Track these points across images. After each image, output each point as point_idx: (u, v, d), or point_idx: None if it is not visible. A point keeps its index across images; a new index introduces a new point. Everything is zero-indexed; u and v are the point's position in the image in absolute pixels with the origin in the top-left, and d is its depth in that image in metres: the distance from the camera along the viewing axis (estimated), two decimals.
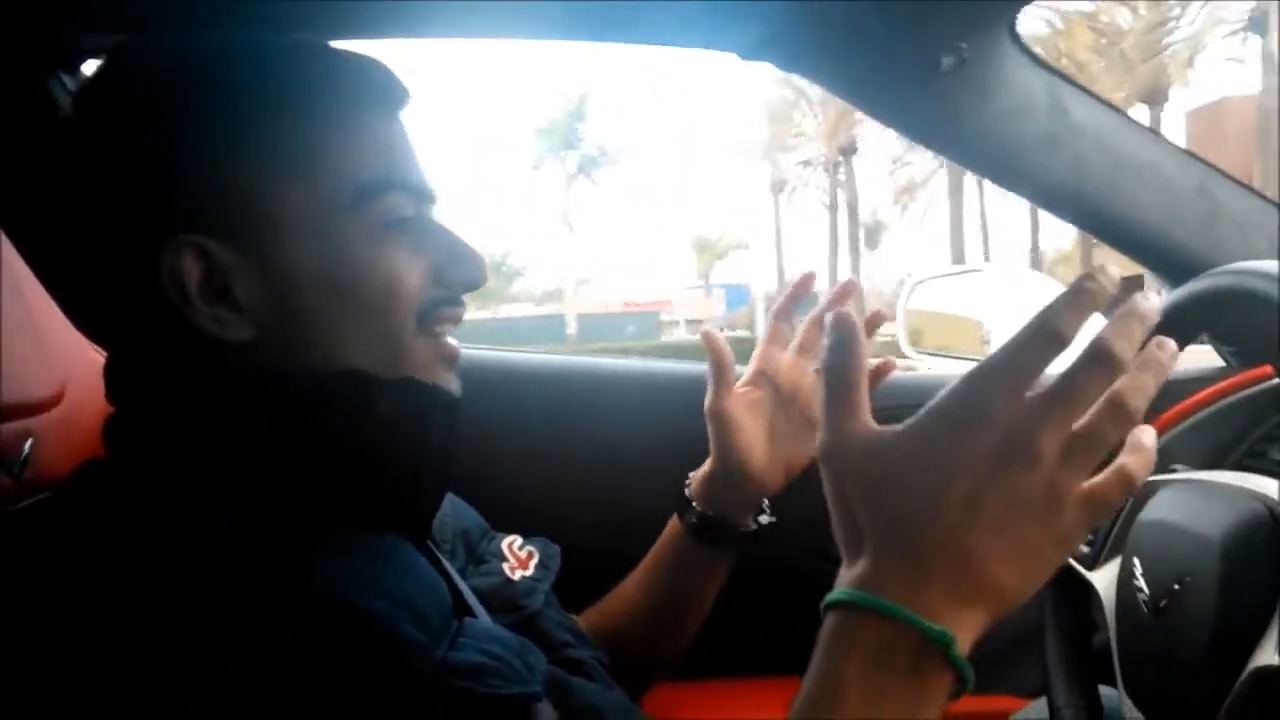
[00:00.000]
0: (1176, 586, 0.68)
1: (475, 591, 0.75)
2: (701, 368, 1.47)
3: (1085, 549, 0.84)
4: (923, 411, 0.52)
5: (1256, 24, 21.97)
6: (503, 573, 0.82)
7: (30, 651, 0.53)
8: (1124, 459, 0.52)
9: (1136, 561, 0.74)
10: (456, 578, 0.73)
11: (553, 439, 1.27)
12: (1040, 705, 0.91)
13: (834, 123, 28.59)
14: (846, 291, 0.93)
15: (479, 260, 0.72)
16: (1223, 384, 1.20)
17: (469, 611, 0.69)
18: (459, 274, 0.71)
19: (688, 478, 0.99)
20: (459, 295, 0.72)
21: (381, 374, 0.65)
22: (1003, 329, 1.49)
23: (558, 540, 0.90)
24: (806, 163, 31.43)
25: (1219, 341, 1.21)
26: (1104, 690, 0.84)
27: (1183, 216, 1.15)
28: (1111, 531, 0.81)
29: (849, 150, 28.91)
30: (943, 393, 0.51)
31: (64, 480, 0.65)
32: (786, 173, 32.95)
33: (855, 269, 29.72)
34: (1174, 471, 0.84)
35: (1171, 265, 1.16)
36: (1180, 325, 0.87)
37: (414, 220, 0.69)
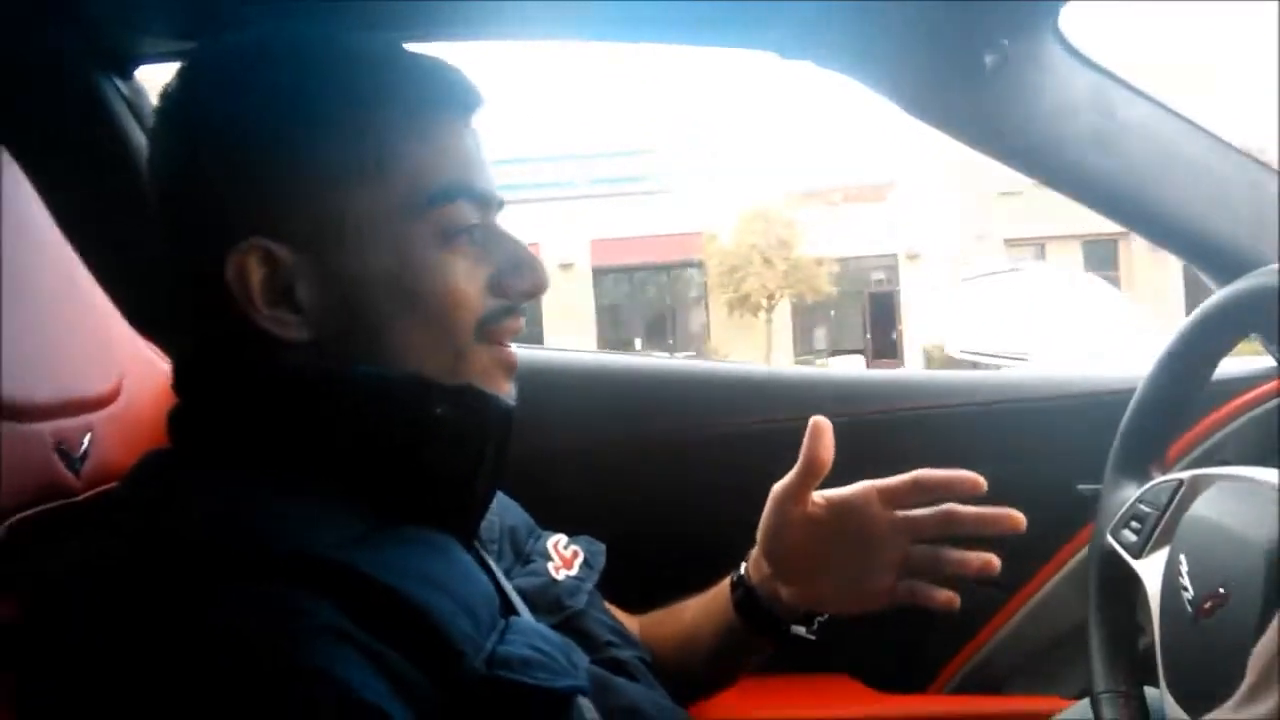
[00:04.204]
0: (1221, 590, 0.67)
1: (520, 592, 0.76)
2: (752, 368, 1.48)
3: (1133, 536, 0.83)
4: None
5: None
6: (547, 573, 0.82)
7: (95, 640, 0.55)
8: None
9: (1183, 558, 0.74)
10: (502, 578, 0.74)
11: (601, 436, 1.28)
12: (1084, 706, 0.90)
13: None
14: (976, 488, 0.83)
15: (539, 269, 0.71)
16: (1272, 384, 1.18)
17: (514, 611, 0.70)
18: (519, 283, 0.70)
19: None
20: (519, 304, 0.71)
21: (441, 380, 0.65)
22: (1047, 328, 1.47)
23: (603, 537, 0.90)
24: None
25: (1268, 341, 1.19)
26: (1147, 690, 0.84)
27: (1234, 213, 1.13)
28: (1160, 521, 0.80)
29: None
30: None
31: (127, 473, 0.67)
32: None
33: None
34: (1224, 465, 0.82)
35: (1221, 263, 1.14)
36: (1228, 324, 0.86)
37: (478, 228, 0.68)
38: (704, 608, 0.96)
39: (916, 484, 0.85)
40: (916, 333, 20.59)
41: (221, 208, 0.64)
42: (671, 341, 22.07)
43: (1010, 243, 20.66)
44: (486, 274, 0.69)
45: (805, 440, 0.84)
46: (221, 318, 0.64)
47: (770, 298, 20.86)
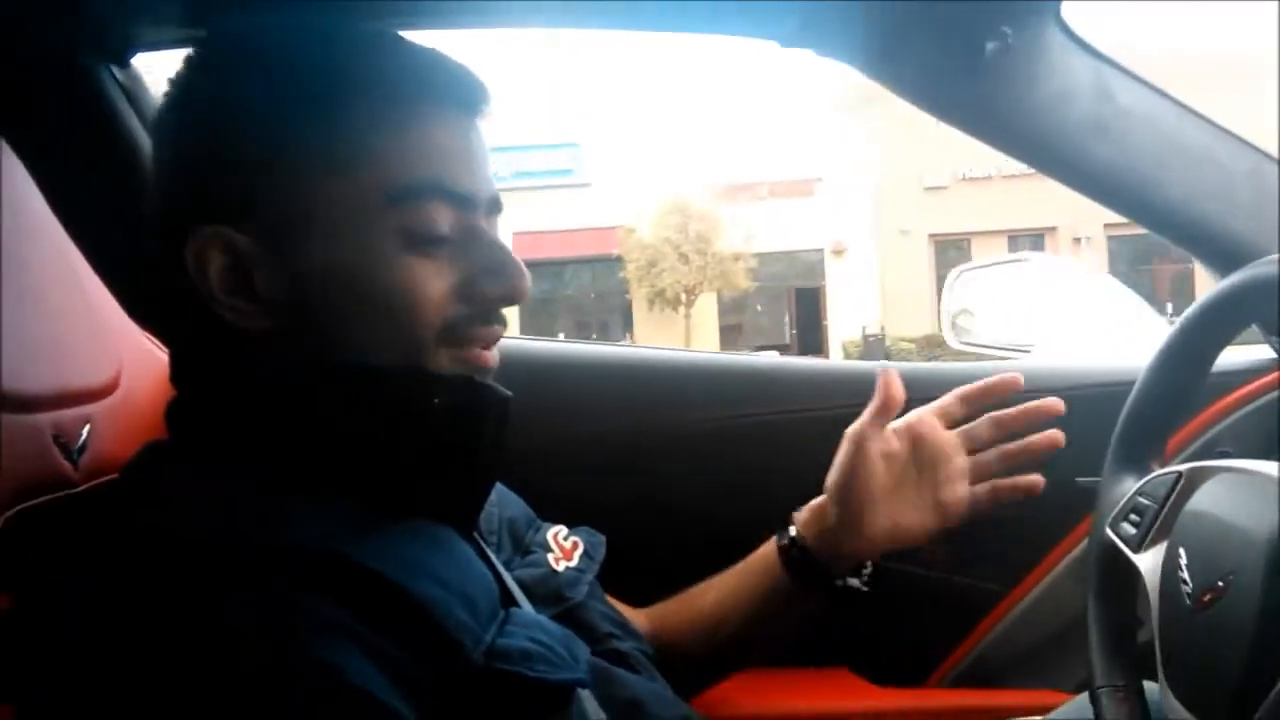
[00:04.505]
0: (1220, 583, 0.67)
1: (520, 583, 0.76)
2: (758, 360, 1.48)
3: (1132, 529, 0.83)
4: None
5: None
6: (547, 564, 0.82)
7: (95, 632, 0.55)
8: None
9: (1182, 552, 0.74)
10: (501, 569, 0.74)
11: (600, 427, 1.28)
12: (1083, 701, 0.90)
13: None
14: (1014, 386, 0.94)
15: (517, 275, 0.69)
16: (1274, 375, 1.18)
17: (514, 602, 0.70)
18: (493, 289, 0.68)
19: (797, 507, 0.96)
20: (492, 310, 0.69)
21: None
22: (1048, 319, 1.47)
23: (605, 530, 0.90)
24: None
25: (1269, 332, 1.19)
26: (1146, 685, 0.84)
27: (1235, 203, 1.13)
28: (1159, 515, 0.80)
29: None
30: None
31: (125, 465, 0.67)
32: None
33: None
34: (1223, 457, 0.82)
35: (1222, 253, 1.14)
36: (1229, 315, 0.85)
37: (454, 229, 0.66)
38: (734, 584, 0.96)
39: (961, 399, 0.94)
40: (841, 327, 20.66)
41: (189, 195, 0.65)
42: (595, 336, 21.96)
43: (935, 238, 20.80)
44: (458, 277, 0.67)
45: (879, 384, 0.91)
46: (184, 305, 0.65)
47: (689, 292, 20.69)
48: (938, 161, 19.33)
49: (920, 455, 0.92)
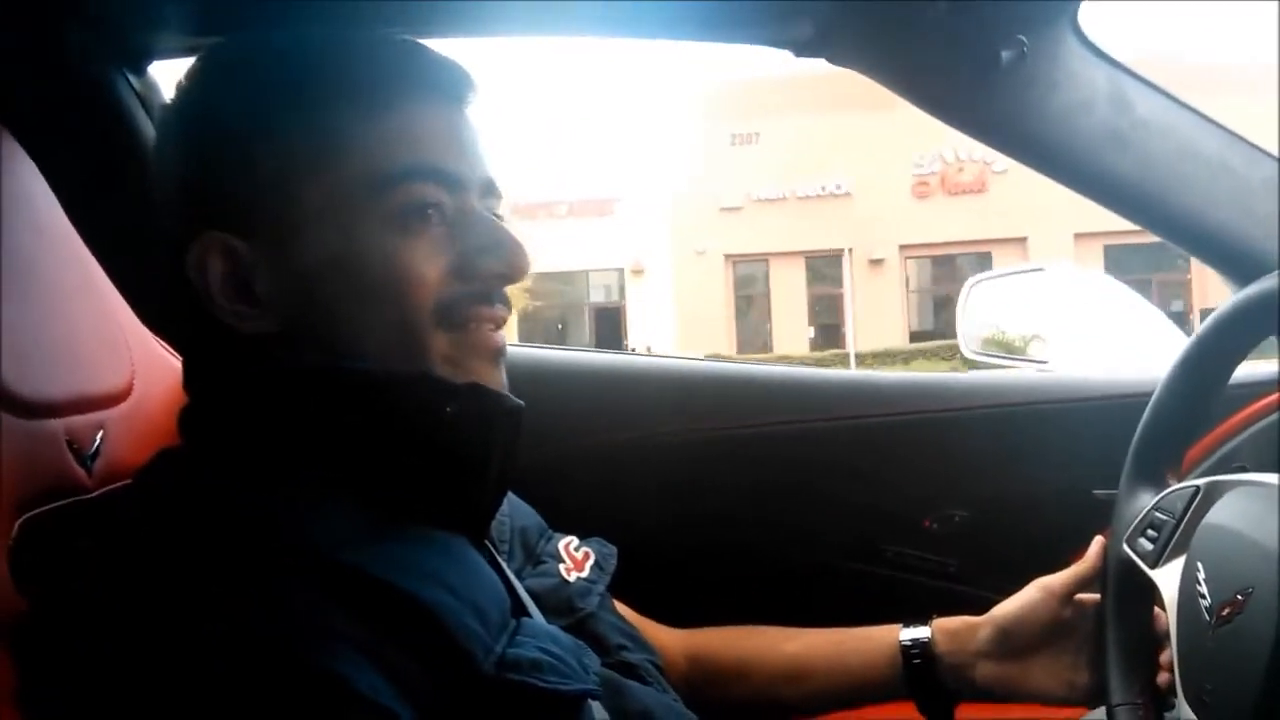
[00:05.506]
0: (1239, 597, 0.67)
1: (531, 593, 0.75)
2: (767, 369, 1.47)
3: (1149, 545, 0.82)
4: None
5: None
6: (559, 574, 0.82)
7: (121, 633, 0.55)
8: None
9: (1200, 566, 0.73)
10: (513, 579, 0.74)
11: (612, 438, 1.28)
12: (1100, 715, 0.89)
13: None
14: None
15: (515, 252, 0.68)
16: None
17: (525, 612, 0.70)
18: (490, 265, 0.68)
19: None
20: (492, 289, 0.69)
21: (402, 367, 0.65)
22: (1062, 329, 1.46)
23: (616, 540, 0.90)
24: None
25: None
26: None
27: (1252, 212, 1.12)
28: (1177, 530, 0.80)
29: None
30: None
31: (138, 471, 0.68)
32: None
33: None
34: (1241, 471, 0.82)
35: (1240, 264, 1.13)
36: (1246, 327, 0.85)
37: (444, 210, 0.67)
38: (830, 651, 0.97)
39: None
40: (640, 346, 20.43)
41: (187, 202, 0.66)
42: None
43: (732, 258, 20.89)
44: (452, 256, 0.67)
45: (1090, 553, 0.92)
46: (188, 311, 0.66)
47: None
48: (732, 182, 19.42)
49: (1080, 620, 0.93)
